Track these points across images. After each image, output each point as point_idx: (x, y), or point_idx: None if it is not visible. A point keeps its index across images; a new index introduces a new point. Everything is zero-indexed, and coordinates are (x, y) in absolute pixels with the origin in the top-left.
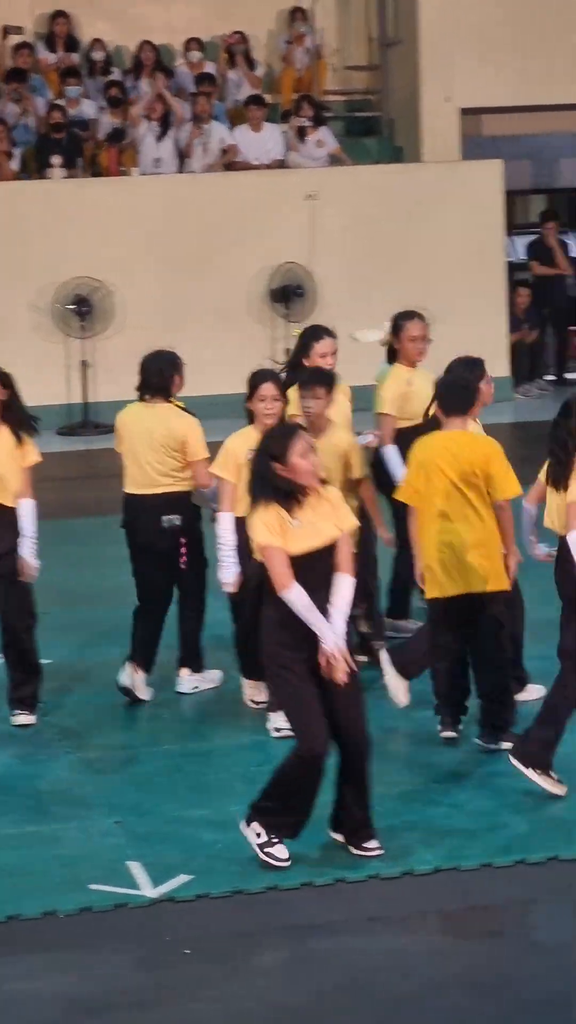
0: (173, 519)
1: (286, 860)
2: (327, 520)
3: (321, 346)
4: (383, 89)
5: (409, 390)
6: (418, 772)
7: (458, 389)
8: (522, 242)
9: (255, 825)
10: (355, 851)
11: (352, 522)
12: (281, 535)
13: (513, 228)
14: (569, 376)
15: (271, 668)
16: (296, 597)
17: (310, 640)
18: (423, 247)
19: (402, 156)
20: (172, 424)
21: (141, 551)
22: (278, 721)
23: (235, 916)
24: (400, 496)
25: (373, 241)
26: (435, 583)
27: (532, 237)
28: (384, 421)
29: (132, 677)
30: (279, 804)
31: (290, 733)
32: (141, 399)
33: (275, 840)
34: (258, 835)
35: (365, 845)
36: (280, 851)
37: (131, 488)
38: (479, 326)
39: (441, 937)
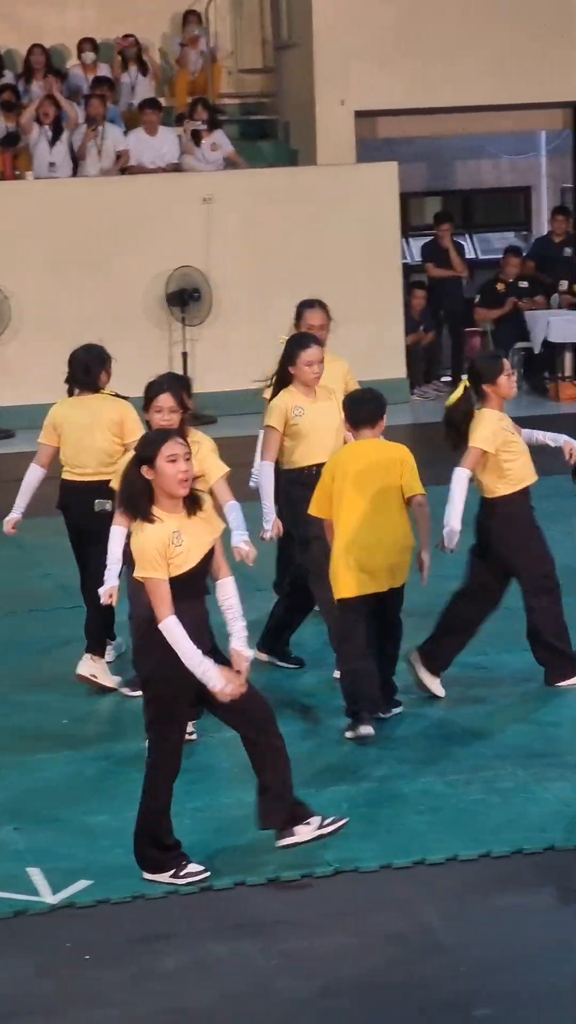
0: (105, 504)
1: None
2: (206, 527)
3: (307, 354)
4: (278, 92)
5: None
6: (313, 774)
7: (365, 402)
8: (417, 244)
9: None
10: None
11: (221, 525)
12: (164, 562)
13: (408, 230)
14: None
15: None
16: (172, 627)
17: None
18: (319, 250)
19: (297, 159)
20: (107, 409)
21: (78, 534)
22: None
23: (135, 921)
24: (313, 510)
25: (269, 244)
26: (349, 584)
27: (427, 239)
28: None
29: (91, 666)
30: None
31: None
32: (70, 394)
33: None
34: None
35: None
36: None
37: (67, 475)
38: (376, 328)
39: (342, 939)
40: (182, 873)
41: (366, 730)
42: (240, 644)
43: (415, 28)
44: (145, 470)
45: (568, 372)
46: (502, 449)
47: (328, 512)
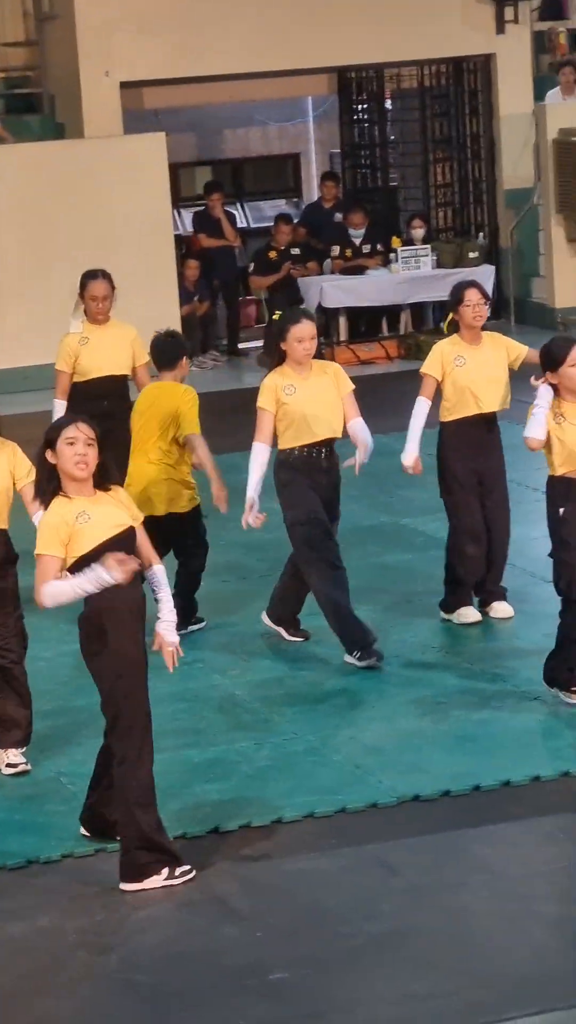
0: None
1: None
2: (117, 511)
3: (297, 330)
4: (41, 65)
5: (81, 349)
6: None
7: (164, 347)
8: (188, 214)
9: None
10: None
11: (139, 514)
12: (59, 541)
13: (179, 201)
14: (242, 346)
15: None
16: (48, 590)
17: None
18: (91, 224)
19: (64, 132)
20: None
21: None
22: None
23: None
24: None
25: (41, 219)
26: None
27: (198, 209)
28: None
29: None
30: None
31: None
32: None
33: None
34: None
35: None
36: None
37: None
38: (150, 299)
39: (136, 912)
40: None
41: None
42: (165, 629)
43: None
44: (48, 453)
45: (343, 336)
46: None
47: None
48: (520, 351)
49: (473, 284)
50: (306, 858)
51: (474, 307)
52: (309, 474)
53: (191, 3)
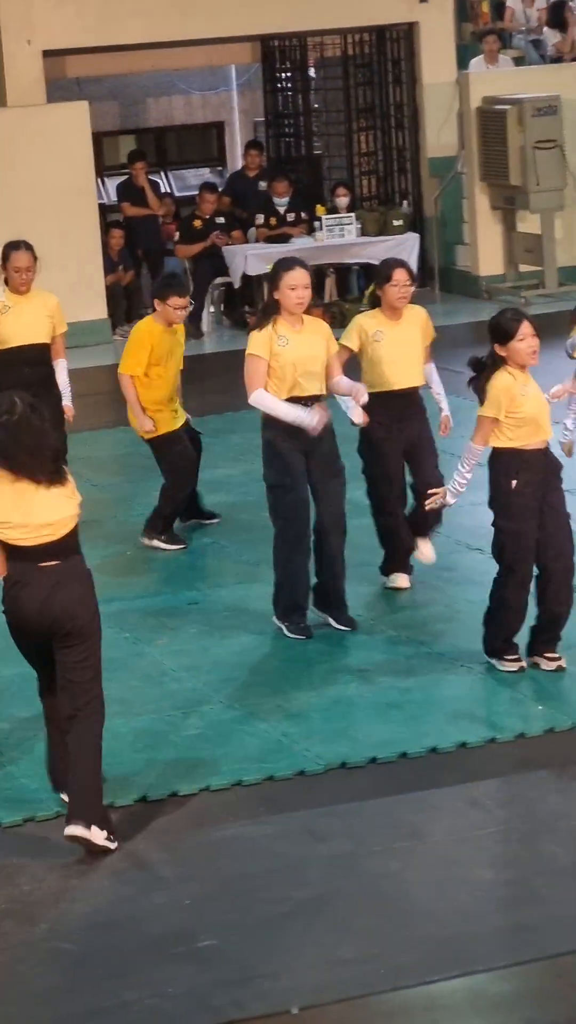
0: None
1: None
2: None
3: (289, 277)
4: None
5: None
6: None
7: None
8: (112, 183)
9: None
10: None
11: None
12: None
13: (103, 170)
14: None
15: None
16: None
17: None
18: (15, 193)
19: None
20: None
21: None
22: None
23: None
24: None
25: None
26: None
27: (122, 178)
28: None
29: None
30: None
31: None
32: None
33: None
34: None
35: None
36: None
37: None
38: (74, 269)
39: (64, 881)
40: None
41: None
42: None
43: None
44: None
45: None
46: None
47: None
48: (429, 339)
49: (401, 264)
50: (233, 826)
51: (400, 287)
52: (294, 433)
53: None
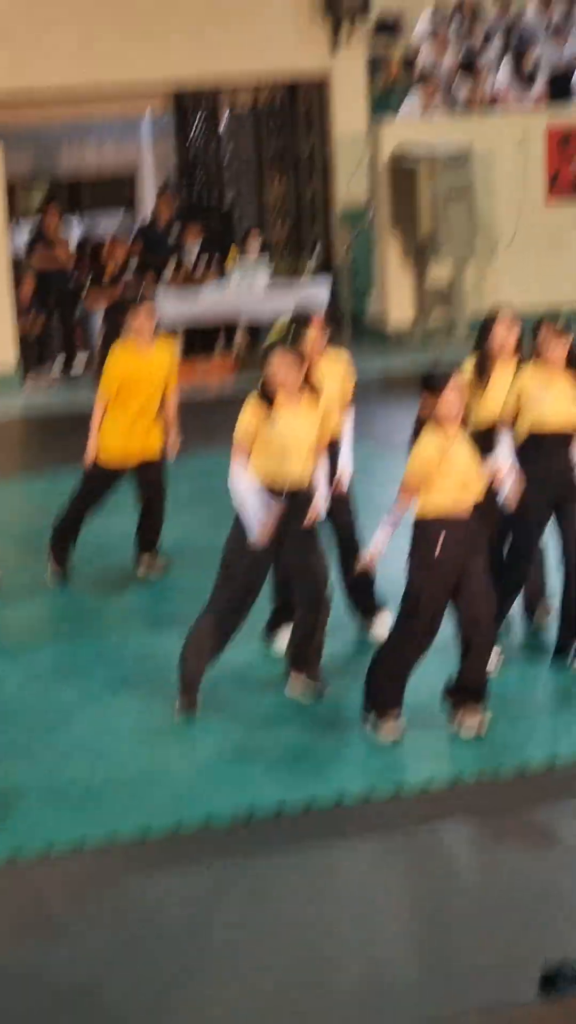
0: None
1: None
2: None
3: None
4: None
5: None
6: None
7: None
8: (24, 231)
9: None
10: None
11: None
12: None
13: (15, 216)
14: (76, 363)
15: None
16: None
17: None
18: None
19: None
20: None
21: None
22: None
23: None
24: None
25: None
26: None
27: (34, 226)
28: None
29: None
30: None
31: None
32: None
33: None
34: None
35: None
36: None
37: None
38: None
39: None
40: None
41: None
42: None
43: (5, 10)
44: None
45: (180, 352)
46: None
47: None
48: (347, 388)
49: (314, 316)
50: (140, 877)
51: (313, 340)
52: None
53: (21, 17)
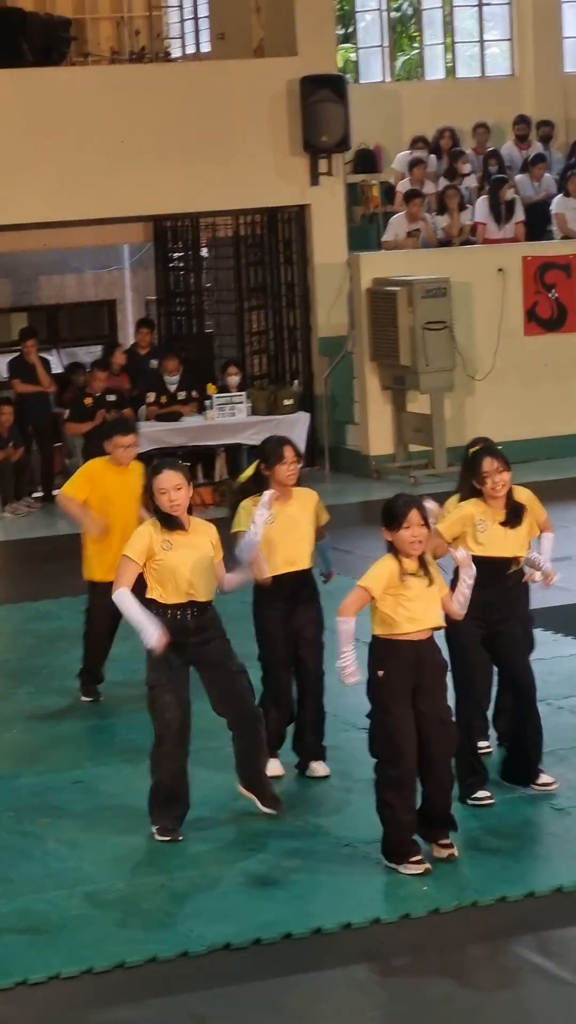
0: None
1: None
2: None
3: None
4: None
5: None
6: None
7: None
8: (3, 360)
9: None
10: None
11: None
12: None
13: None
14: (56, 492)
15: None
16: None
17: None
18: None
19: None
20: None
21: None
22: None
23: None
24: None
25: None
26: None
27: (13, 355)
28: None
29: None
30: None
31: None
32: None
33: None
34: None
35: None
36: None
37: None
38: None
39: None
40: None
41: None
42: None
43: None
44: None
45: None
46: None
47: None
48: (323, 521)
49: (288, 442)
50: (116, 1009)
51: (289, 465)
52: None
53: (4, 156)
